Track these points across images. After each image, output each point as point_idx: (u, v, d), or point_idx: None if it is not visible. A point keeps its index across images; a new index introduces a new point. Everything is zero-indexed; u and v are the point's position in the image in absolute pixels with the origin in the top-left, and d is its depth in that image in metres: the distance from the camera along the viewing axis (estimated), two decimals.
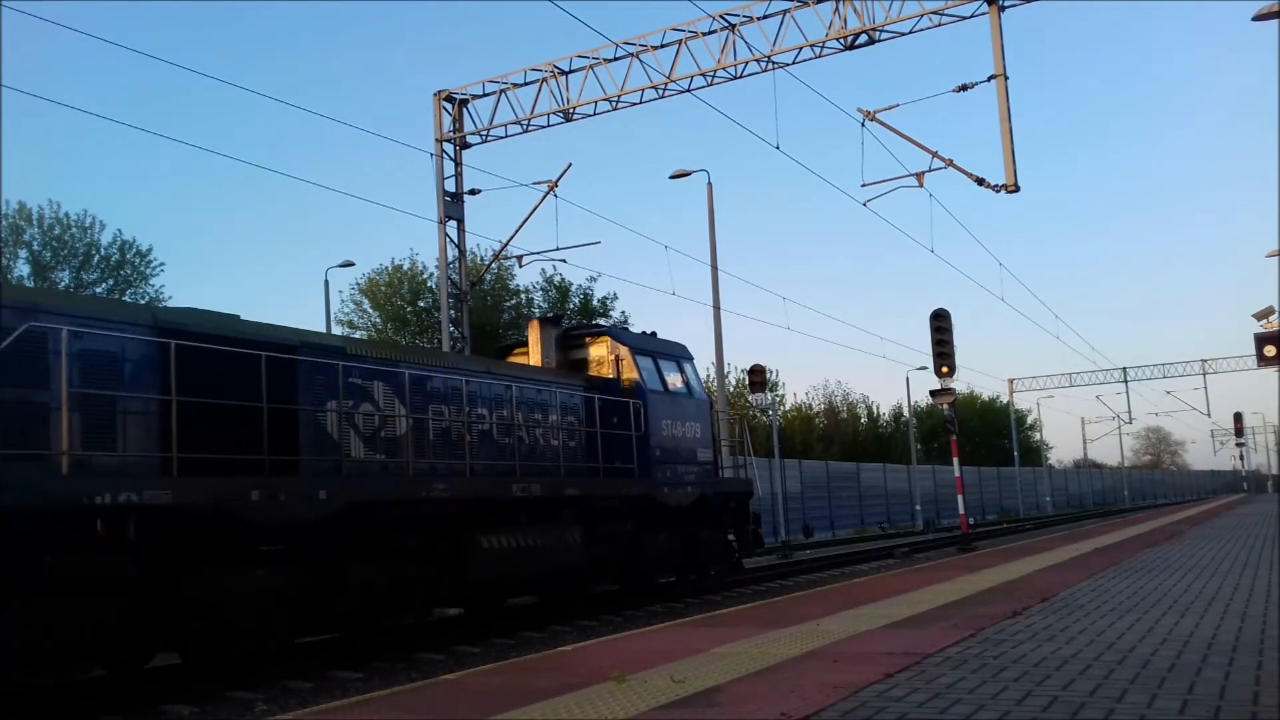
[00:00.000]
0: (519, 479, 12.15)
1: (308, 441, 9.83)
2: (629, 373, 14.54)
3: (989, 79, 15.67)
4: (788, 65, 16.61)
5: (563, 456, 13.24)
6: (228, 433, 8.90)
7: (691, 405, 15.70)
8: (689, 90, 17.30)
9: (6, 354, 7.25)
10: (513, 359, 15.00)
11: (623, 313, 38.10)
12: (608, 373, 14.66)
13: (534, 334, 14.81)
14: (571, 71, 17.59)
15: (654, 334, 16.05)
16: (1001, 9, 15.48)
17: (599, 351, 14.99)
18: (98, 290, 32.48)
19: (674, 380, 15.43)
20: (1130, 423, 66.61)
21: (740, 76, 16.97)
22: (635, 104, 17.66)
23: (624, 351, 14.72)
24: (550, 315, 15.14)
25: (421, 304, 35.46)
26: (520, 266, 19.41)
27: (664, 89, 17.27)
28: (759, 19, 16.59)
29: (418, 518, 10.83)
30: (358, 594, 10.04)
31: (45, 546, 7.47)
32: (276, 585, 9.21)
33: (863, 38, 16.05)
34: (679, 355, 15.97)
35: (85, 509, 7.63)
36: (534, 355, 14.72)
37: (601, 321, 37.30)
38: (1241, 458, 78.15)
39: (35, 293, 8.82)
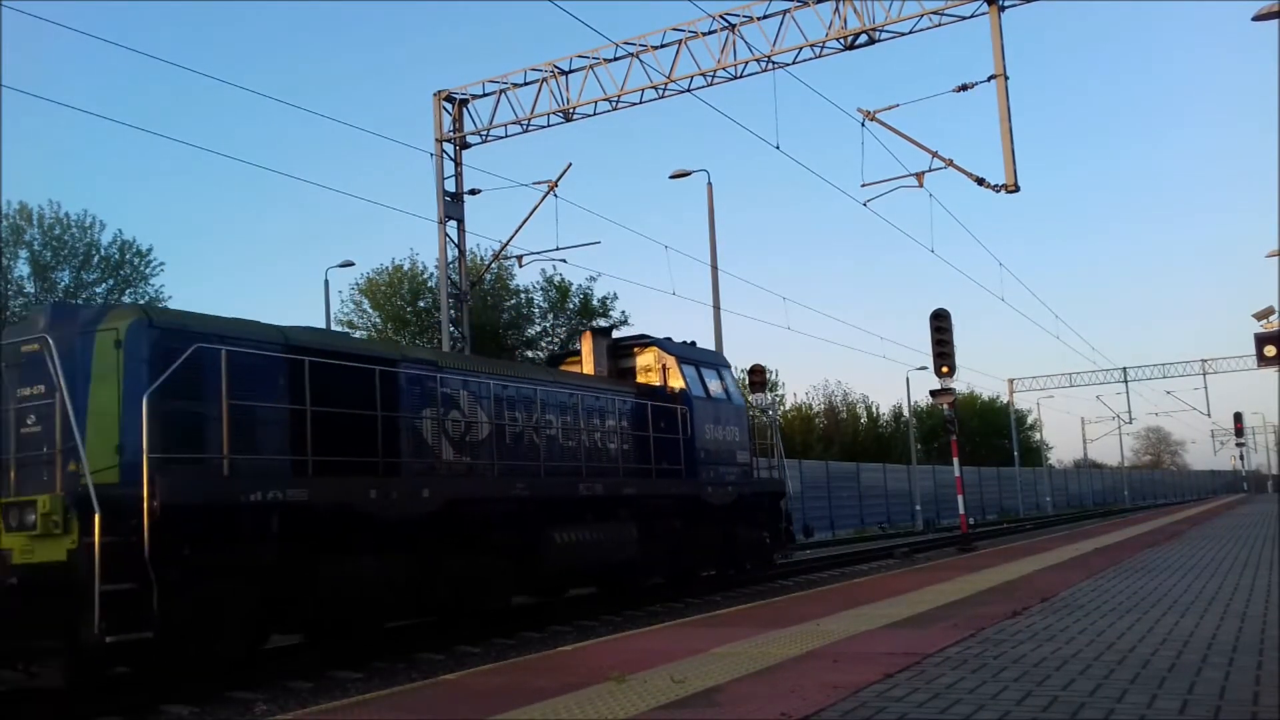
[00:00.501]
0: (584, 479, 13.21)
1: (408, 445, 10.96)
2: (675, 380, 15.65)
3: (989, 79, 15.67)
4: (788, 65, 16.62)
5: (620, 459, 14.26)
6: (346, 438, 10.06)
7: (730, 410, 16.76)
8: (689, 90, 17.30)
9: (177, 372, 8.47)
10: (565, 367, 16.04)
11: (623, 312, 38.15)
12: (655, 380, 15.77)
13: (586, 345, 15.96)
14: (571, 71, 17.59)
15: (694, 343, 16.91)
16: (1001, 9, 15.47)
17: (646, 360, 16.12)
18: (97, 290, 32.51)
19: (715, 387, 16.49)
20: (1130, 423, 66.73)
21: (740, 76, 16.98)
22: (635, 104, 17.66)
23: (670, 361, 15.81)
24: (602, 327, 16.29)
25: (421, 304, 35.46)
26: (520, 266, 19.44)
27: (664, 89, 17.26)
28: (759, 19, 16.58)
29: (501, 514, 11.96)
30: (452, 582, 11.15)
31: (209, 537, 8.63)
32: (386, 573, 10.26)
33: (863, 38, 16.05)
34: (718, 363, 17.21)
35: (241, 505, 8.86)
36: (587, 364, 15.78)
37: (601, 322, 37.39)
38: (1241, 458, 78.26)
39: (196, 318, 10.15)
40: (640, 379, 15.92)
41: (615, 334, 16.74)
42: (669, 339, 16.48)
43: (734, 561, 16.80)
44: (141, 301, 33.00)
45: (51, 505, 7.94)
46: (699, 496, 15.27)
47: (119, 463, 8.41)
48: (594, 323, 37.51)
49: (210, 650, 8.93)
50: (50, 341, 8.36)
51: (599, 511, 13.46)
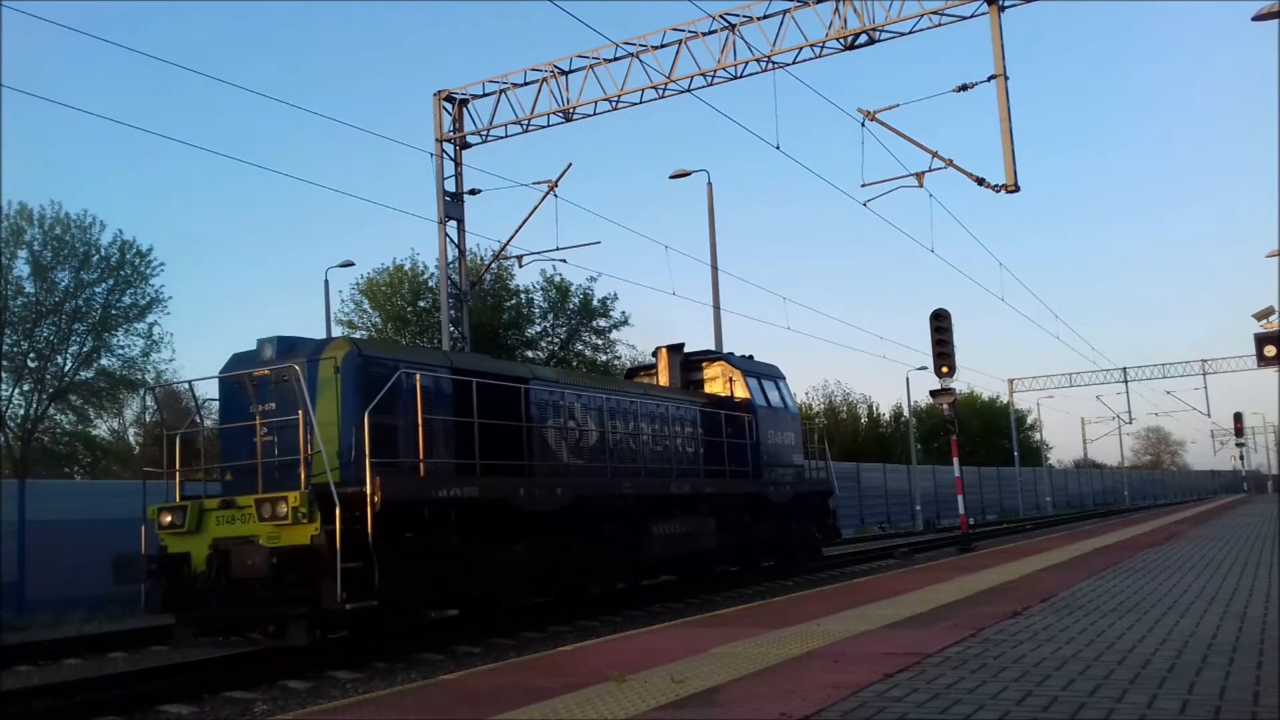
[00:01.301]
0: (674, 479, 15.29)
1: (540, 450, 12.94)
2: (741, 391, 17.60)
3: (989, 79, 15.66)
4: (788, 65, 16.60)
5: (699, 461, 16.23)
6: (498, 444, 11.94)
7: (787, 417, 18.81)
8: (689, 90, 17.28)
9: (385, 393, 10.54)
10: (640, 378, 18.04)
11: (623, 312, 38.13)
12: (722, 391, 17.64)
13: (662, 359, 17.76)
14: (571, 71, 17.57)
15: (751, 357, 18.69)
16: (1001, 9, 15.46)
17: (713, 373, 18.04)
18: (97, 290, 32.54)
19: (774, 397, 18.44)
20: (1130, 423, 66.69)
21: (740, 76, 16.96)
22: (635, 104, 17.65)
23: (736, 374, 17.79)
24: (675, 344, 18.03)
25: (422, 304, 35.44)
26: (520, 266, 19.42)
27: (664, 89, 17.25)
28: (759, 19, 16.57)
29: (612, 510, 13.81)
30: (575, 566, 13.18)
31: (407, 526, 10.60)
32: (529, 557, 12.27)
33: (863, 38, 16.04)
34: (775, 375, 18.97)
35: (433, 500, 10.84)
36: (661, 377, 17.53)
37: (601, 322, 37.46)
38: (1241, 458, 78.20)
39: (391, 346, 13.99)
40: (707, 389, 17.80)
41: (686, 349, 18.47)
42: (732, 353, 18.56)
43: (789, 553, 18.92)
44: (142, 302, 33.20)
45: (299, 500, 9.85)
46: (763, 495, 17.30)
47: (339, 465, 10.27)
48: (594, 323, 37.64)
49: (412, 615, 11.62)
50: (298, 369, 10.36)
51: (685, 507, 15.41)
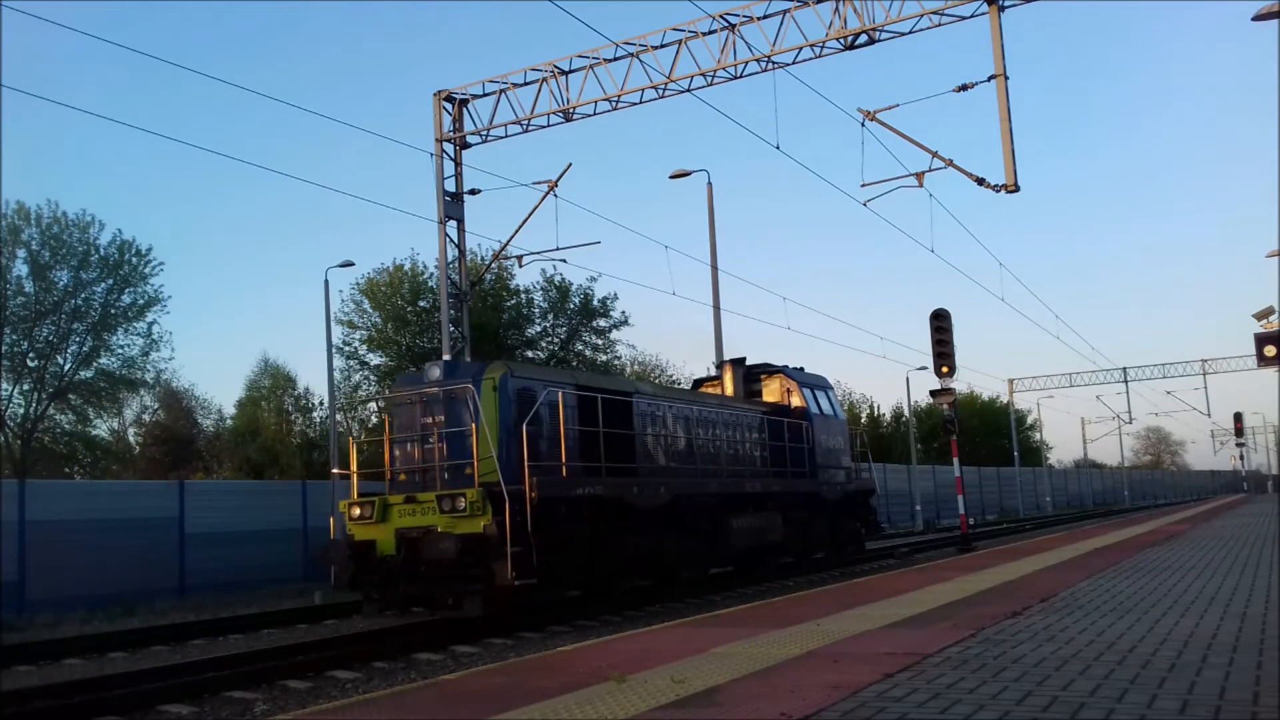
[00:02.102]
0: (748, 479, 17.48)
1: (643, 455, 15.14)
2: (797, 400, 19.84)
3: (989, 79, 15.65)
4: (788, 65, 16.59)
5: (766, 463, 18.23)
6: (614, 449, 14.31)
7: (837, 424, 21.13)
8: (689, 90, 17.27)
9: (531, 406, 12.87)
10: (705, 389, 20.05)
11: (623, 312, 38.11)
12: (780, 400, 19.85)
13: (727, 373, 19.91)
14: (571, 71, 17.56)
15: (802, 368, 20.79)
16: (1001, 9, 15.46)
17: (771, 384, 20.19)
18: (96, 290, 32.54)
19: (825, 405, 20.66)
20: (1130, 423, 66.63)
21: (740, 76, 16.96)
22: (635, 104, 17.63)
23: (793, 385, 20.01)
24: (738, 358, 20.07)
25: (422, 304, 35.40)
26: (520, 266, 19.39)
27: (664, 89, 17.24)
28: (759, 19, 16.56)
29: (700, 506, 15.93)
30: (673, 554, 15.33)
31: (556, 516, 12.75)
32: (638, 546, 14.44)
33: (863, 38, 16.03)
34: (824, 385, 21.25)
35: (574, 497, 13.22)
36: (726, 388, 19.54)
37: (601, 322, 37.50)
38: (1241, 458, 78.22)
39: (535, 369, 16.14)
40: (765, 398, 19.91)
41: (748, 363, 20.50)
42: (788, 366, 20.38)
43: (838, 546, 20.94)
44: (141, 301, 33.27)
45: (476, 496, 11.97)
46: (818, 493, 19.56)
47: (498, 468, 12.08)
48: (594, 323, 37.67)
49: (562, 590, 14.25)
50: (471, 388, 12.53)
51: (756, 504, 17.52)
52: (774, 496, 18.01)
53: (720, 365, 20.58)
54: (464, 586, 12.00)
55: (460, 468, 12.60)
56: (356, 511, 12.93)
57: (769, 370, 20.38)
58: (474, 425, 12.27)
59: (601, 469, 13.98)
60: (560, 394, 13.40)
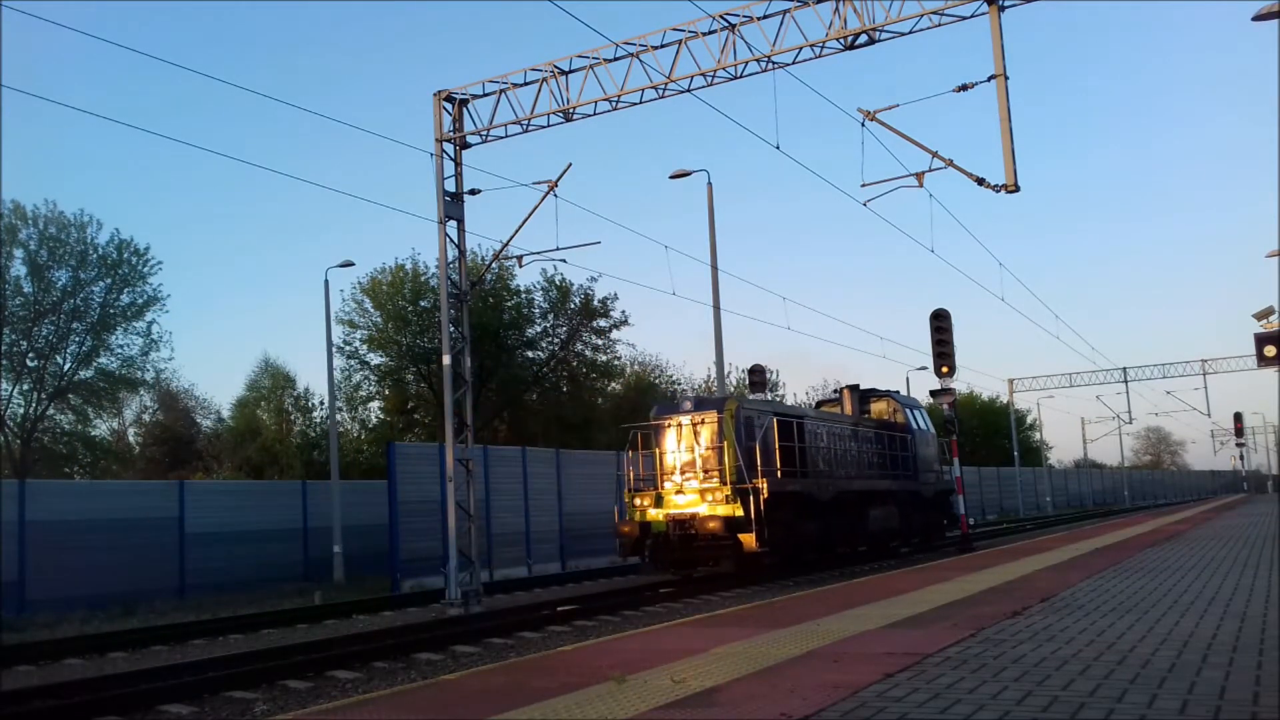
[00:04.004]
0: (877, 479, 22.57)
1: (811, 462, 19.88)
2: (901, 418, 25.06)
3: (989, 79, 15.62)
4: (788, 65, 16.56)
5: (885, 466, 23.42)
6: (803, 458, 19.48)
7: (929, 436, 26.38)
8: (689, 90, 17.25)
9: (757, 430, 18.12)
10: (826, 409, 24.56)
11: (623, 312, 38.15)
12: (887, 417, 24.93)
13: (846, 396, 24.35)
14: (571, 71, 17.55)
15: (897, 391, 26.05)
16: (1001, 9, 15.44)
17: (879, 405, 25.25)
18: (95, 289, 32.52)
19: (921, 422, 26.04)
20: (1130, 423, 66.51)
21: (740, 76, 16.94)
22: (635, 104, 17.59)
23: (897, 406, 25.33)
24: (853, 384, 24.89)
25: (423, 304, 35.40)
26: (520, 266, 19.34)
27: (664, 89, 17.23)
28: (759, 19, 16.55)
29: (851, 499, 21.01)
30: (835, 536, 20.63)
31: (775, 505, 17.59)
32: (816, 527, 19.58)
33: (863, 38, 16.02)
34: (918, 405, 27.32)
35: (787, 493, 18.27)
36: (846, 408, 24.02)
37: (601, 322, 37.59)
38: (1241, 458, 78.11)
39: (752, 402, 21.16)
40: (875, 416, 24.88)
41: (861, 388, 25.45)
42: (894, 390, 25.81)
43: (928, 533, 25.86)
44: (140, 301, 33.28)
45: (728, 491, 17.35)
46: (919, 492, 24.83)
47: (740, 470, 17.37)
48: (594, 323, 37.76)
49: (790, 561, 18.95)
50: (719, 415, 17.98)
51: (883, 499, 22.51)
52: (893, 494, 23.16)
53: (839, 390, 25.83)
54: (723, 553, 17.49)
55: (710, 472, 17.85)
56: (639, 500, 18.24)
57: (877, 394, 25.44)
58: (723, 443, 17.70)
59: (796, 472, 19.09)
60: (770, 419, 18.71)
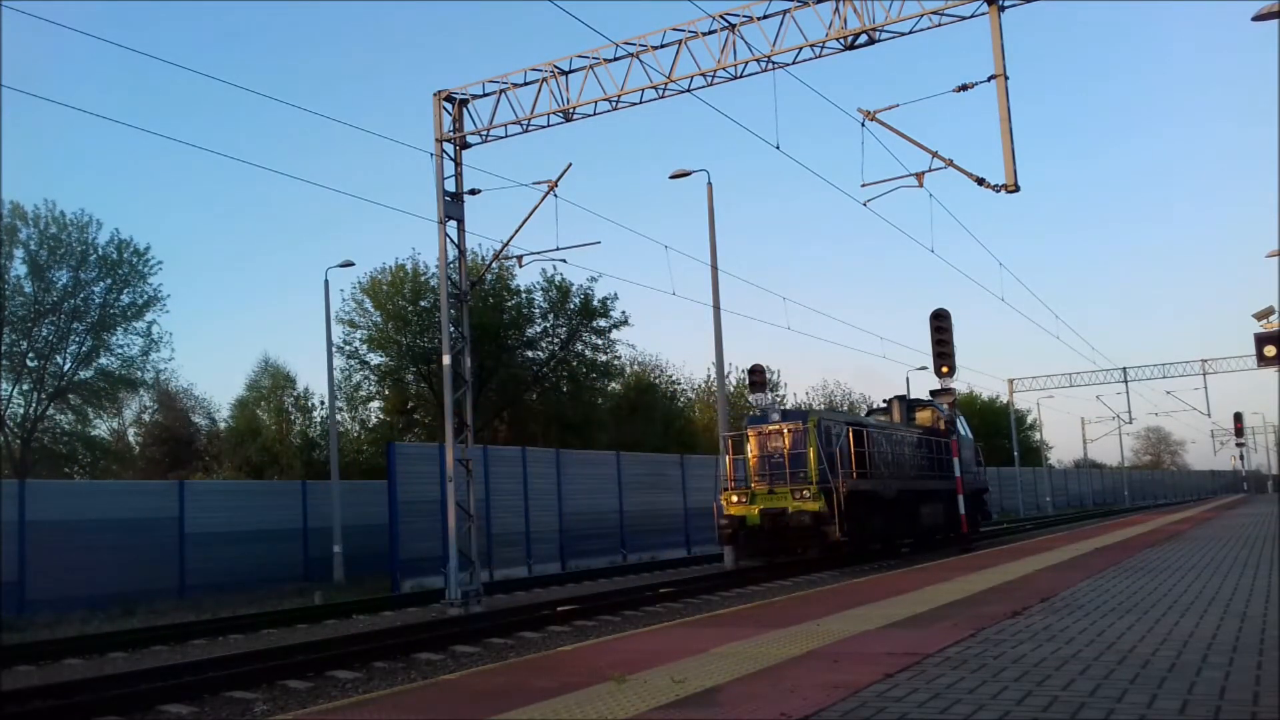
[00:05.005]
0: (928, 480, 25.31)
1: (874, 465, 22.42)
2: (943, 425, 27.92)
3: (989, 79, 15.62)
4: (788, 65, 16.56)
5: (932, 468, 26.15)
6: (870, 462, 22.11)
7: (968, 441, 29.47)
8: (689, 90, 17.25)
9: (836, 439, 21.18)
10: (876, 417, 26.96)
11: (623, 312, 38.13)
12: (934, 425, 27.78)
13: (895, 407, 27.32)
14: (571, 71, 17.55)
15: (935, 403, 29.02)
16: (1001, 9, 15.44)
17: (924, 413, 28.03)
18: (95, 289, 32.51)
19: (961, 428, 28.99)
20: (1130, 423, 66.46)
21: (740, 76, 16.94)
22: (635, 104, 17.59)
23: (939, 415, 28.14)
24: (901, 395, 27.47)
25: (423, 304, 35.40)
26: (520, 266, 19.34)
27: (664, 89, 17.23)
28: (759, 19, 16.54)
29: (908, 498, 23.77)
30: (897, 529, 23.55)
31: (851, 502, 20.20)
32: (881, 521, 22.26)
33: (863, 38, 16.02)
34: (959, 415, 29.90)
35: (860, 491, 20.86)
36: (895, 416, 26.95)
37: (601, 322, 37.58)
38: (1241, 458, 78.02)
39: (829, 414, 25.46)
40: (920, 423, 27.60)
41: (909, 398, 28.90)
42: (936, 402, 27.91)
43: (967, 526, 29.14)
44: (140, 301, 33.28)
45: (815, 490, 20.03)
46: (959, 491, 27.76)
47: (825, 472, 20.23)
48: (594, 323, 37.77)
49: (863, 549, 21.57)
50: (804, 426, 20.98)
51: (931, 497, 25.16)
52: (939, 493, 25.71)
53: (889, 401, 28.22)
54: (809, 542, 20.42)
55: (797, 473, 20.70)
56: (734, 498, 21.07)
57: (921, 403, 28.71)
58: (809, 449, 20.57)
59: (865, 474, 21.69)
60: (845, 429, 21.77)
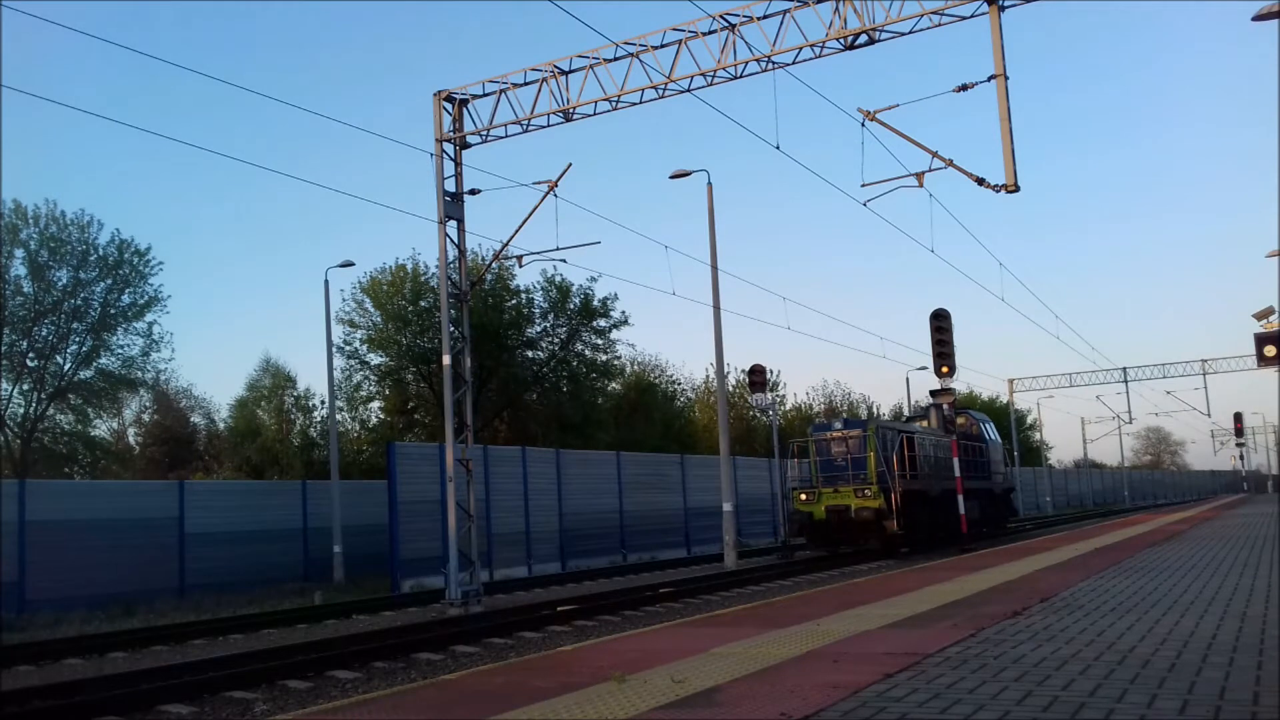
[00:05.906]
0: (965, 481, 25.09)
1: (920, 467, 24.87)
2: (976, 430, 30.98)
3: (989, 79, 15.62)
4: (788, 65, 16.56)
5: (970, 470, 27.33)
6: (915, 465, 24.61)
7: (997, 445, 32.71)
8: (689, 90, 17.25)
9: (891, 444, 24.00)
10: (919, 423, 28.73)
11: (623, 312, 38.12)
12: (967, 430, 30.07)
13: (933, 414, 28.95)
14: (571, 71, 17.55)
15: (968, 409, 33.44)
16: (1001, 9, 15.44)
17: (960, 420, 29.93)
18: (95, 289, 32.48)
19: (992, 433, 32.56)
20: (1130, 423, 66.46)
21: (740, 76, 16.93)
22: (635, 104, 17.59)
23: (973, 420, 31.39)
24: (934, 405, 28.66)
25: (423, 304, 35.38)
26: (520, 266, 19.33)
27: (664, 89, 17.23)
28: (759, 19, 16.54)
29: (947, 494, 24.81)
30: (940, 525, 24.96)
31: (906, 500, 23.31)
32: (929, 518, 24.80)
33: (863, 38, 16.02)
34: (988, 420, 33.92)
35: (912, 491, 23.88)
36: (932, 422, 28.72)
37: (601, 322, 37.57)
38: (1241, 458, 78.07)
39: (885, 423, 27.43)
40: (959, 429, 29.82)
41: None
42: (970, 409, 32.55)
43: (998, 523, 31.74)
44: (141, 301, 33.26)
45: (875, 489, 22.85)
46: (992, 490, 30.85)
47: (884, 473, 23.03)
48: (594, 323, 37.77)
49: (919, 541, 24.10)
50: (864, 433, 23.79)
51: (969, 497, 25.36)
52: (975, 492, 27.73)
53: (927, 408, 30.28)
54: (870, 535, 22.97)
55: (858, 475, 23.24)
56: (803, 496, 23.74)
57: (961, 412, 30.79)
58: (869, 453, 23.11)
59: (917, 475, 24.36)
60: (899, 436, 24.09)
